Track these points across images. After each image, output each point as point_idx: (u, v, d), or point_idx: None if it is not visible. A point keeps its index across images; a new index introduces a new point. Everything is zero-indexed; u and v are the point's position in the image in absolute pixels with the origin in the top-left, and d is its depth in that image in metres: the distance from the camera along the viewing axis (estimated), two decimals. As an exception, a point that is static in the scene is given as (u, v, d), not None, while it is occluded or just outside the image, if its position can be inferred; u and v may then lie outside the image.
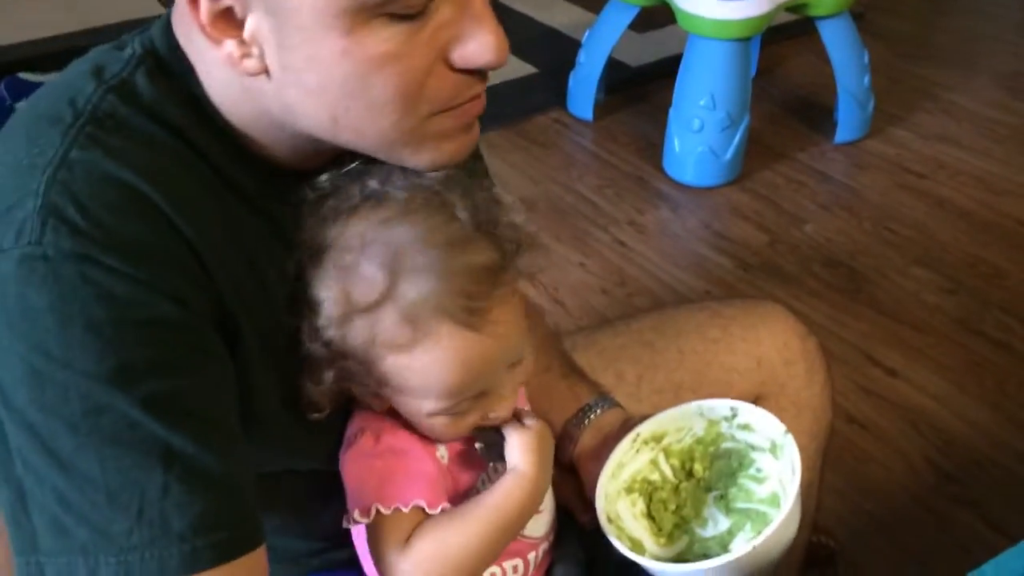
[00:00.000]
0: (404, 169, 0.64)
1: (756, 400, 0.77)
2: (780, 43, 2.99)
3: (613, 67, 2.61)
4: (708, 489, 0.77)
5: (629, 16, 2.41)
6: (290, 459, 0.71)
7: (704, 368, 0.94)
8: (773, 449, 0.75)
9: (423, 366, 0.63)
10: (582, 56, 2.55)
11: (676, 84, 2.27)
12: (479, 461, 0.73)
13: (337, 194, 0.64)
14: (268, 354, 0.64)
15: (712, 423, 0.77)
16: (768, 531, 0.66)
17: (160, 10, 0.63)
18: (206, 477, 0.55)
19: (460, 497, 0.71)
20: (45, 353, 0.53)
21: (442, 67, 0.57)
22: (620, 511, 0.75)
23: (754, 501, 0.76)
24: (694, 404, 0.77)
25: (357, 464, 0.69)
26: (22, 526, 0.55)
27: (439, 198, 0.63)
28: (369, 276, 0.61)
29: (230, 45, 0.56)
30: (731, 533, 0.75)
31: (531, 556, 0.76)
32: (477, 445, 0.73)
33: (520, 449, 0.69)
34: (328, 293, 0.62)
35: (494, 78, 0.62)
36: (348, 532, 0.71)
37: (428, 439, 0.71)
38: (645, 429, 0.77)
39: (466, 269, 0.61)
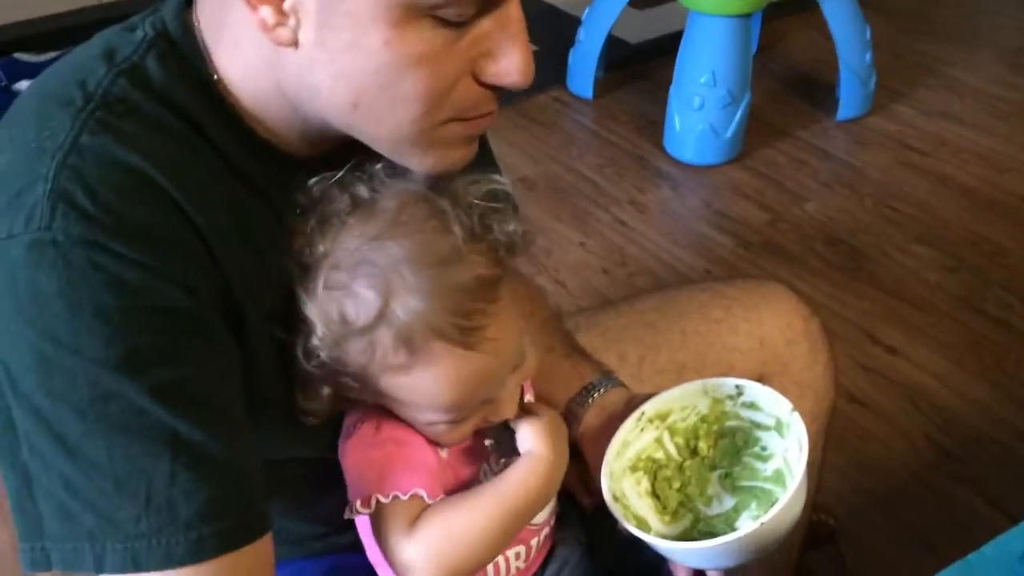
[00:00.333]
0: (391, 172, 0.63)
1: (759, 380, 0.76)
2: (781, 19, 2.97)
3: (613, 44, 2.60)
4: (712, 467, 0.78)
5: (629, -7, 2.40)
6: (292, 447, 0.71)
7: (706, 348, 0.94)
8: (778, 427, 0.75)
9: (421, 385, 0.63)
10: (582, 33, 2.53)
11: (676, 61, 2.26)
12: (480, 455, 0.72)
13: (325, 203, 0.63)
14: (272, 343, 0.64)
15: (717, 401, 0.77)
16: (776, 509, 0.66)
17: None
18: (213, 465, 0.56)
19: (460, 490, 0.70)
20: (54, 339, 0.53)
21: (469, 78, 0.58)
22: (625, 489, 0.75)
23: (759, 479, 0.76)
24: (699, 382, 0.77)
25: (357, 454, 0.68)
26: (28, 512, 0.55)
27: (430, 205, 0.62)
28: (362, 297, 0.60)
29: (266, 11, 0.55)
30: (736, 511, 0.76)
31: (534, 542, 0.76)
32: (487, 442, 0.72)
33: (533, 435, 0.69)
34: (321, 314, 0.61)
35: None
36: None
37: None
38: (650, 407, 0.77)
39: (460, 286, 0.60)
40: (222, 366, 0.59)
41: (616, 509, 0.71)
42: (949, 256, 1.99)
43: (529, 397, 0.78)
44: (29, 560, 0.55)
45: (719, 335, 0.95)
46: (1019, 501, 1.45)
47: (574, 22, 2.57)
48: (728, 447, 0.77)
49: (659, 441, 0.78)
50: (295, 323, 0.63)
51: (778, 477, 0.75)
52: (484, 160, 0.71)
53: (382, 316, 0.60)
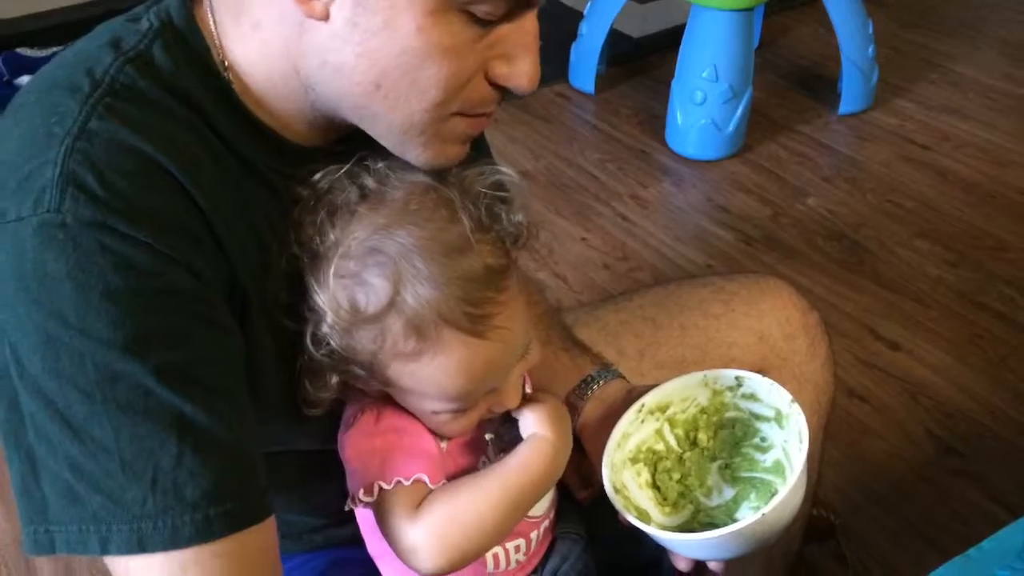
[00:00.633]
0: (396, 165, 0.64)
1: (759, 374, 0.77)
2: (783, 13, 2.96)
3: (615, 39, 2.59)
4: (712, 458, 0.78)
5: (631, -13, 2.39)
6: (291, 438, 0.71)
7: (706, 343, 0.94)
8: (778, 419, 0.75)
9: (430, 373, 0.63)
10: (584, 27, 2.53)
11: (678, 56, 2.26)
12: (479, 448, 0.73)
13: (335, 194, 0.64)
14: (274, 332, 0.64)
15: (717, 393, 0.78)
16: (776, 500, 0.66)
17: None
18: (219, 447, 0.56)
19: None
20: (62, 320, 0.53)
21: (481, 76, 0.61)
22: (626, 481, 0.75)
23: (758, 470, 0.76)
24: (699, 374, 0.77)
25: (358, 445, 0.69)
26: (32, 495, 0.55)
27: (439, 196, 0.63)
28: (373, 285, 0.61)
29: None
30: (736, 502, 0.76)
31: (533, 535, 0.77)
32: (487, 436, 0.73)
33: (536, 419, 0.69)
34: (332, 302, 0.62)
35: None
36: (350, 509, 0.72)
37: None
38: (650, 399, 0.77)
39: (470, 275, 0.61)
40: (227, 351, 0.59)
41: (617, 501, 0.71)
42: (950, 251, 1.99)
43: (528, 390, 0.78)
44: (33, 544, 0.55)
45: (719, 330, 0.95)
46: (1019, 495, 1.45)
47: (576, 16, 2.56)
48: (727, 438, 0.78)
49: (659, 432, 0.78)
50: (303, 312, 0.64)
51: (777, 468, 0.75)
52: (482, 154, 0.71)
53: (392, 304, 0.60)
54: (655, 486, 0.77)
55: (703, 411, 0.78)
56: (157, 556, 0.54)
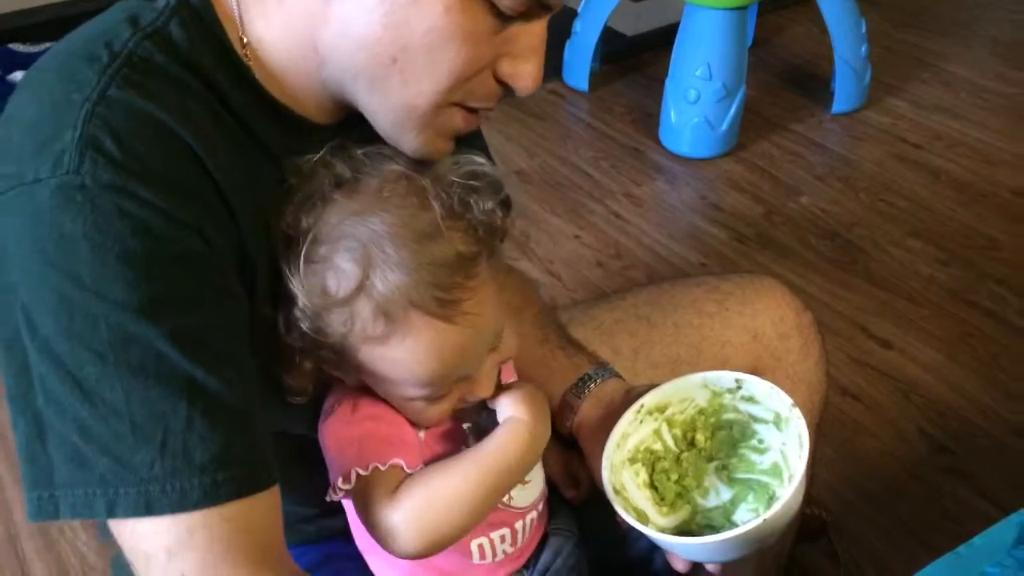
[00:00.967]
0: (373, 155, 0.66)
1: (752, 373, 0.77)
2: (776, 12, 2.97)
3: (609, 37, 2.59)
4: (709, 459, 0.78)
5: (625, -15, 2.40)
6: (285, 419, 0.72)
7: (700, 342, 0.95)
8: (776, 422, 0.75)
9: (398, 357, 0.64)
10: (578, 25, 2.53)
11: (672, 54, 2.26)
12: (458, 438, 0.73)
13: (311, 181, 0.65)
14: (274, 304, 0.65)
15: (716, 394, 0.78)
16: (778, 505, 0.66)
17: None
18: (227, 412, 0.57)
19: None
20: (77, 281, 0.54)
21: (489, 71, 0.63)
22: (624, 481, 0.75)
23: (755, 472, 0.76)
24: (699, 375, 0.77)
25: (336, 434, 0.69)
26: (38, 460, 0.56)
27: (412, 184, 0.64)
28: (343, 269, 0.62)
29: None
30: (733, 504, 0.76)
31: (518, 526, 0.77)
32: (465, 426, 0.73)
33: (512, 403, 0.70)
34: (302, 286, 0.63)
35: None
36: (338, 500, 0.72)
37: None
38: (649, 400, 0.77)
39: (438, 261, 0.62)
40: (237, 319, 0.60)
41: (617, 503, 0.72)
42: (942, 249, 2.00)
43: (509, 379, 0.78)
44: (36, 510, 0.55)
45: (713, 329, 0.95)
46: (1010, 493, 1.46)
47: (570, 14, 2.57)
48: (725, 439, 0.78)
49: (657, 433, 0.78)
50: (278, 297, 0.64)
51: (775, 470, 0.75)
52: (479, 150, 0.72)
53: (361, 288, 0.61)
54: (653, 486, 0.77)
55: (701, 412, 0.78)
56: (164, 519, 0.55)
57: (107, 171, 0.54)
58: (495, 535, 0.75)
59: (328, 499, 0.69)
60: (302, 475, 0.76)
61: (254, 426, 0.59)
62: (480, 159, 0.68)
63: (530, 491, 0.77)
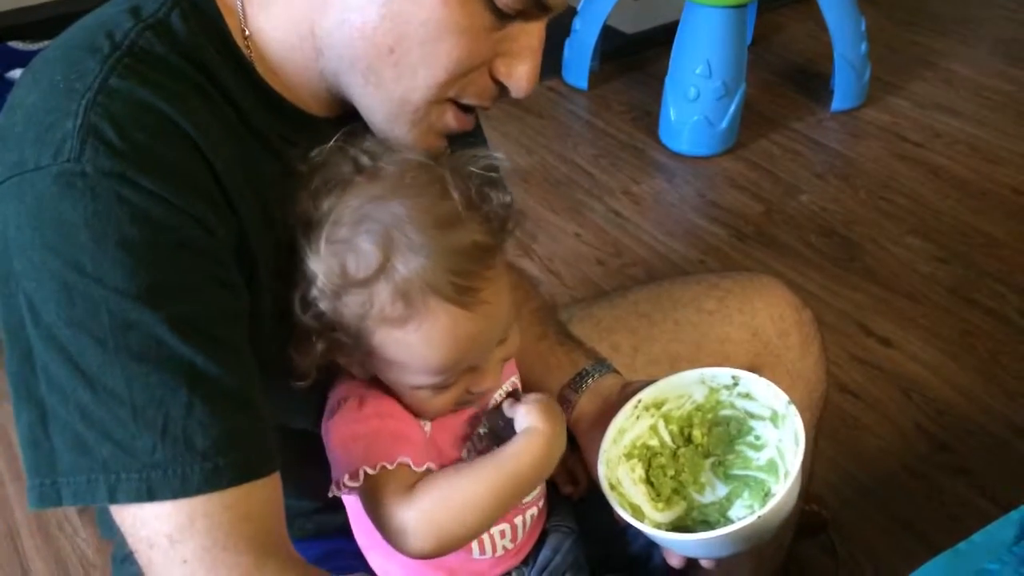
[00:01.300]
0: (386, 146, 0.66)
1: (752, 371, 0.77)
2: (776, 10, 2.97)
3: (608, 35, 2.59)
4: (706, 455, 0.78)
5: (625, -17, 2.40)
6: (285, 413, 0.72)
7: (700, 339, 0.95)
8: (773, 418, 0.75)
9: (414, 341, 0.64)
10: (577, 23, 2.53)
11: (672, 52, 2.26)
12: (464, 435, 0.73)
13: (329, 167, 0.65)
14: (274, 296, 0.65)
15: (713, 391, 0.78)
16: (773, 502, 0.66)
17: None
18: (228, 398, 0.57)
19: (444, 466, 0.71)
20: (77, 268, 0.54)
21: (485, 68, 0.63)
22: (620, 477, 0.76)
23: (752, 468, 0.76)
24: (696, 372, 0.78)
25: (341, 431, 0.69)
26: (40, 447, 0.56)
27: (431, 172, 0.64)
28: (364, 251, 0.62)
29: None
30: (729, 500, 0.76)
31: (518, 521, 0.77)
32: (481, 430, 0.73)
33: (531, 413, 0.70)
34: (322, 266, 0.63)
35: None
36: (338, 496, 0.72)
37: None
38: (646, 395, 0.77)
39: (458, 248, 0.62)
40: (236, 308, 0.61)
41: (613, 498, 0.72)
42: (942, 247, 2.00)
43: (516, 383, 0.79)
44: (38, 497, 0.56)
45: (712, 326, 0.95)
46: (1010, 491, 1.46)
47: (570, 12, 2.57)
48: (721, 435, 0.78)
49: (654, 428, 0.78)
50: (293, 278, 0.65)
51: (771, 467, 0.75)
52: (477, 143, 0.73)
53: (382, 270, 0.61)
54: (649, 482, 0.77)
55: (698, 408, 0.78)
56: (166, 505, 0.55)
57: (108, 159, 0.55)
58: (495, 530, 0.75)
59: (330, 495, 0.69)
60: (301, 470, 0.76)
61: (255, 412, 0.59)
62: (498, 154, 0.69)
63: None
